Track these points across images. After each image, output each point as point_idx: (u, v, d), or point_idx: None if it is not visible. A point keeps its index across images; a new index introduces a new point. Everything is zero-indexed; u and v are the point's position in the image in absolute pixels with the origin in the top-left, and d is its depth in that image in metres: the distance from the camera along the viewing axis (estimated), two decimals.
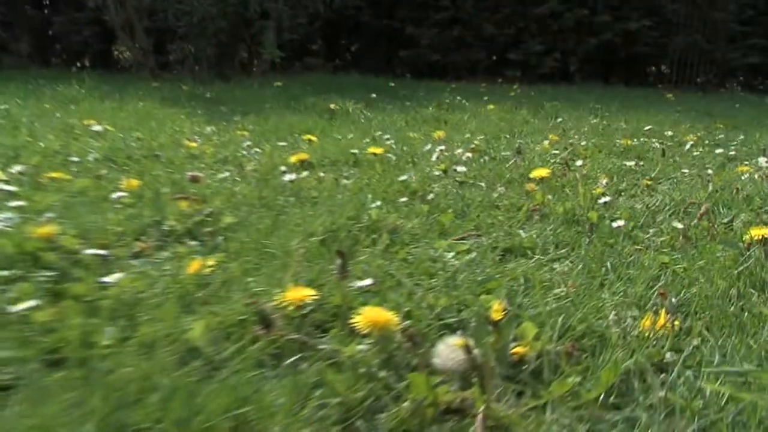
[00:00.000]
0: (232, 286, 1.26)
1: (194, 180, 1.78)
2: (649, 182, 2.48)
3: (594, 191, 2.30)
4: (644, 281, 1.44)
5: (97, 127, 2.95)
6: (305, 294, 1.14)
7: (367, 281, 1.27)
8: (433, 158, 2.87)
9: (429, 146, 3.18)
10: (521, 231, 1.84)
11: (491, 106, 5.98)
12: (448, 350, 0.95)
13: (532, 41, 12.21)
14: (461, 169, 2.58)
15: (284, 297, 1.13)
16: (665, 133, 4.27)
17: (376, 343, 1.02)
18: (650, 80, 13.14)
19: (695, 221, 2.00)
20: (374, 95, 6.36)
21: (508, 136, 3.96)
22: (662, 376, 1.03)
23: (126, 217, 1.68)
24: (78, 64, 12.58)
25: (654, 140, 3.94)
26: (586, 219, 1.94)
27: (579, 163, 2.90)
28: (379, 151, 2.65)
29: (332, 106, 5.16)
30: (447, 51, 12.62)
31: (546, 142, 3.61)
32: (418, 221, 1.83)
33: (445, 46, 12.62)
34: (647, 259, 1.61)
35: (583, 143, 3.62)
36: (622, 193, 2.43)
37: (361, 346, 1.02)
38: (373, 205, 1.95)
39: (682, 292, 1.39)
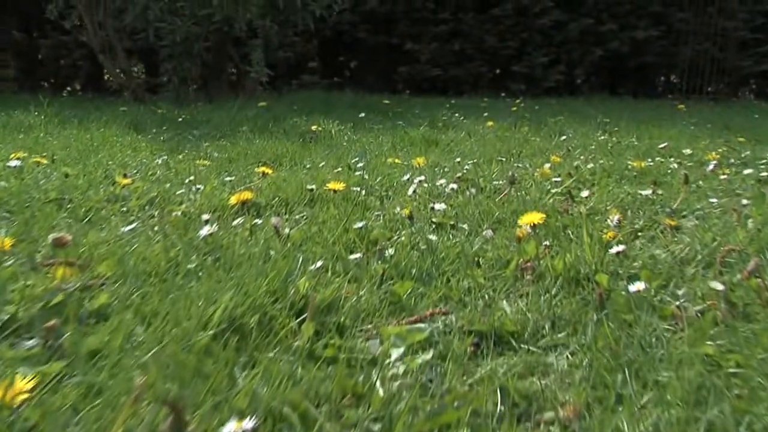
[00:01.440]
0: None
1: (59, 244, 1.32)
2: (671, 220, 2.00)
3: (604, 235, 1.82)
4: (682, 395, 0.97)
5: (15, 162, 2.50)
6: None
7: None
8: (410, 192, 2.41)
9: (409, 175, 2.71)
10: (505, 302, 1.37)
11: (490, 123, 5.52)
12: None
13: (536, 53, 11.78)
14: (440, 207, 2.10)
15: None
16: (683, 150, 3.79)
17: None
18: (659, 91, 12.66)
19: (739, 278, 1.52)
20: (363, 114, 5.91)
21: (504, 159, 3.49)
22: None
23: None
24: (68, 88, 12.28)
25: (671, 160, 3.46)
26: (593, 281, 1.46)
27: (584, 193, 2.43)
28: (339, 186, 2.19)
29: (314, 127, 4.71)
30: (447, 65, 12.21)
31: (547, 166, 3.14)
32: (366, 292, 1.36)
33: (446, 60, 12.22)
34: (682, 349, 1.13)
35: (590, 166, 3.14)
36: (639, 236, 1.95)
37: None
38: (312, 267, 1.48)
39: (745, 419, 0.91)
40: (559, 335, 1.22)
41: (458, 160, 3.30)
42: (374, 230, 1.80)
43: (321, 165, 3.16)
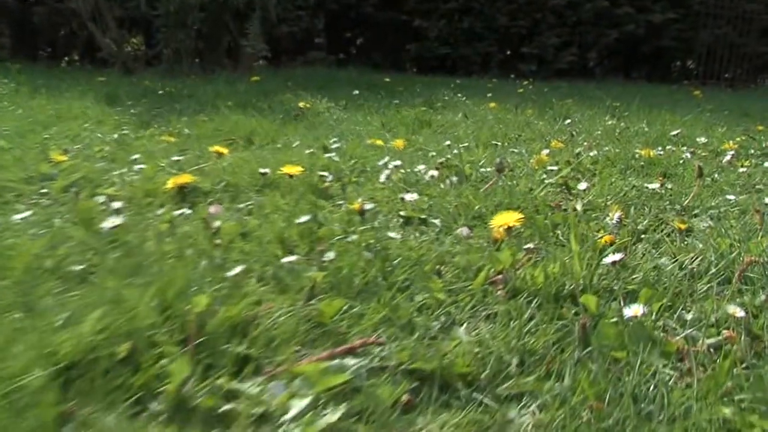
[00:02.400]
0: None
1: None
2: (681, 222, 1.69)
3: (599, 239, 1.52)
4: None
5: None
6: None
7: None
8: (382, 179, 2.10)
9: (387, 159, 2.41)
10: (463, 329, 1.07)
11: (492, 105, 5.19)
12: None
13: (548, 33, 11.35)
14: (411, 197, 1.81)
15: None
16: (697, 139, 3.45)
17: None
18: (675, 76, 12.20)
19: (763, 299, 1.22)
20: (357, 92, 5.58)
21: (499, 144, 3.17)
22: None
23: None
24: (66, 58, 11.98)
25: (683, 149, 3.13)
26: (580, 302, 1.16)
27: (583, 186, 2.11)
28: (295, 171, 1.89)
29: (302, 104, 4.40)
30: (457, 44, 11.79)
31: (545, 152, 2.83)
32: (286, 311, 1.07)
33: (455, 38, 11.79)
34: (689, 404, 0.84)
35: (593, 153, 2.82)
36: (642, 239, 1.65)
37: None
38: (229, 274, 1.19)
39: None
40: (527, 379, 0.93)
41: (448, 143, 2.99)
42: (323, 226, 1.50)
43: (295, 145, 2.85)
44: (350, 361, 0.93)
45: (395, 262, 1.32)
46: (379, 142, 2.85)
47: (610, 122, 4.21)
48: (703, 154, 2.99)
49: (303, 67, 10.02)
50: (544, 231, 1.62)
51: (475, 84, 8.43)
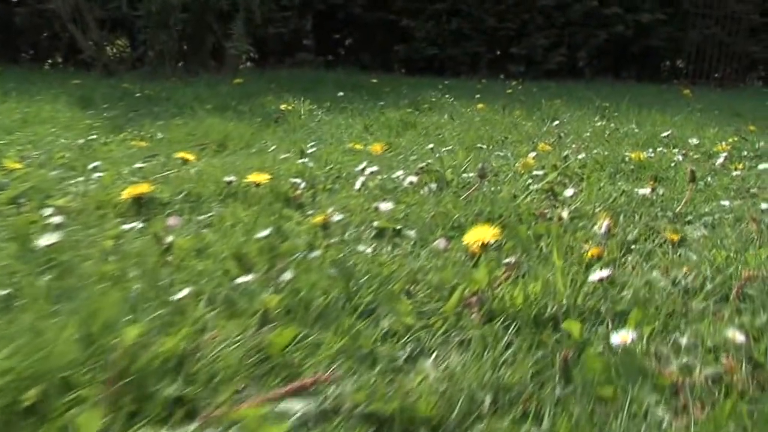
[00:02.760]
0: None
1: None
2: (673, 232, 1.58)
3: (586, 251, 1.41)
4: None
5: None
6: None
7: None
8: (357, 186, 1.98)
9: (365, 164, 2.29)
10: (431, 362, 0.96)
11: (480, 106, 5.08)
12: None
13: (536, 34, 11.26)
14: (386, 206, 1.69)
15: None
16: (688, 140, 3.35)
17: None
18: (664, 75, 12.13)
19: (764, 321, 1.11)
20: (342, 93, 5.46)
21: (485, 146, 3.06)
22: None
23: None
24: (50, 61, 11.80)
25: (675, 151, 3.03)
26: (562, 328, 1.04)
27: (569, 192, 2.00)
28: (262, 179, 1.77)
29: (283, 107, 4.28)
30: (445, 45, 11.68)
31: (532, 155, 2.72)
32: (232, 342, 0.95)
33: (443, 39, 11.69)
34: None
35: (581, 156, 2.71)
36: (632, 250, 1.53)
37: None
38: (173, 298, 1.06)
39: None
40: (501, 423, 0.81)
41: (431, 146, 2.87)
42: (287, 240, 1.38)
43: (271, 149, 2.73)
44: (297, 404, 0.81)
45: (362, 280, 1.20)
46: (359, 146, 2.73)
47: (599, 123, 4.11)
48: (695, 156, 2.88)
49: (290, 68, 9.89)
50: (527, 243, 1.50)
51: (464, 85, 8.33)
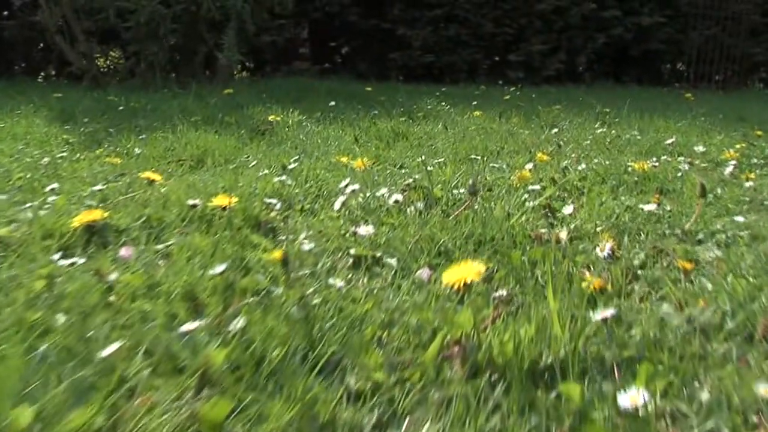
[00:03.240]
0: None
1: None
2: (686, 260, 1.41)
3: (587, 285, 1.24)
4: None
5: None
6: None
7: None
8: (336, 207, 1.82)
9: (348, 180, 2.12)
10: (401, 431, 0.79)
11: (477, 113, 4.92)
12: None
13: (534, 39, 11.12)
14: (366, 231, 1.53)
15: None
16: (694, 147, 3.18)
17: None
18: (665, 79, 11.97)
19: None
20: (334, 103, 5.31)
21: (479, 158, 2.90)
22: None
23: None
24: (42, 73, 11.68)
25: (680, 159, 2.86)
26: (561, 389, 0.88)
27: (568, 209, 1.84)
28: (228, 202, 1.61)
29: (272, 118, 4.12)
30: (442, 52, 11.54)
31: (529, 167, 2.56)
32: (163, 410, 0.78)
33: (440, 46, 11.55)
34: None
35: (581, 167, 2.55)
36: (639, 277, 1.37)
37: None
38: (101, 354, 0.90)
39: None
40: None
41: (422, 158, 2.71)
42: (248, 275, 1.22)
43: (252, 164, 2.57)
44: None
45: (328, 324, 1.04)
46: (345, 160, 2.56)
47: (600, 130, 3.95)
48: (702, 165, 2.72)
49: (285, 78, 9.74)
50: (521, 271, 1.34)
51: (462, 92, 8.18)
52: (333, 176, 2.22)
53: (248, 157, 2.80)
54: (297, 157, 2.68)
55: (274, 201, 1.86)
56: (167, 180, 2.07)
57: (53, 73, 11.95)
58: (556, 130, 3.96)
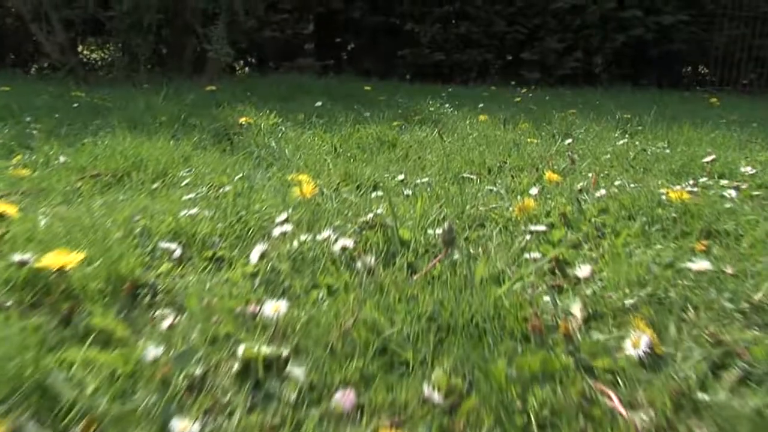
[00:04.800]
0: None
1: None
2: (753, 366, 0.87)
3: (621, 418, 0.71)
4: None
5: None
6: None
7: None
8: (254, 259, 1.28)
9: (286, 215, 1.58)
10: None
11: (482, 117, 4.37)
12: None
13: (550, 39, 10.52)
14: (274, 310, 1.00)
15: None
16: (737, 167, 2.62)
17: None
18: (686, 82, 11.32)
19: None
20: (320, 103, 4.78)
21: (474, 177, 2.35)
22: None
23: None
24: (35, 66, 11.25)
25: (723, 183, 2.30)
26: None
27: (584, 270, 1.29)
28: (67, 262, 1.08)
29: (244, 120, 3.60)
30: (452, 50, 10.98)
31: (533, 192, 2.02)
32: None
33: (450, 44, 10.99)
34: None
35: (600, 193, 2.00)
36: (699, 406, 0.83)
37: None
38: None
39: None
40: None
41: (401, 177, 2.18)
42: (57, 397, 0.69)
43: (184, 183, 2.05)
44: None
45: None
46: (303, 178, 2.02)
47: (621, 141, 3.39)
48: (756, 193, 2.15)
49: (282, 75, 9.21)
50: (505, 400, 0.80)
51: (469, 93, 7.63)
52: (272, 205, 1.68)
53: (190, 170, 2.27)
54: (243, 174, 2.14)
55: (173, 246, 1.33)
56: (25, 212, 1.53)
57: (45, 65, 11.53)
58: (569, 140, 3.40)
